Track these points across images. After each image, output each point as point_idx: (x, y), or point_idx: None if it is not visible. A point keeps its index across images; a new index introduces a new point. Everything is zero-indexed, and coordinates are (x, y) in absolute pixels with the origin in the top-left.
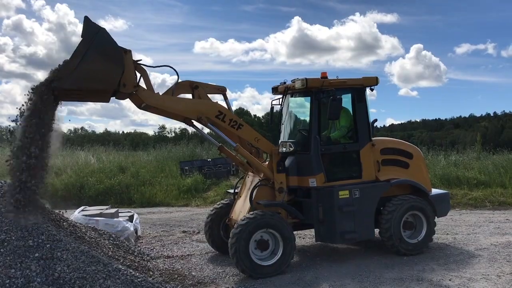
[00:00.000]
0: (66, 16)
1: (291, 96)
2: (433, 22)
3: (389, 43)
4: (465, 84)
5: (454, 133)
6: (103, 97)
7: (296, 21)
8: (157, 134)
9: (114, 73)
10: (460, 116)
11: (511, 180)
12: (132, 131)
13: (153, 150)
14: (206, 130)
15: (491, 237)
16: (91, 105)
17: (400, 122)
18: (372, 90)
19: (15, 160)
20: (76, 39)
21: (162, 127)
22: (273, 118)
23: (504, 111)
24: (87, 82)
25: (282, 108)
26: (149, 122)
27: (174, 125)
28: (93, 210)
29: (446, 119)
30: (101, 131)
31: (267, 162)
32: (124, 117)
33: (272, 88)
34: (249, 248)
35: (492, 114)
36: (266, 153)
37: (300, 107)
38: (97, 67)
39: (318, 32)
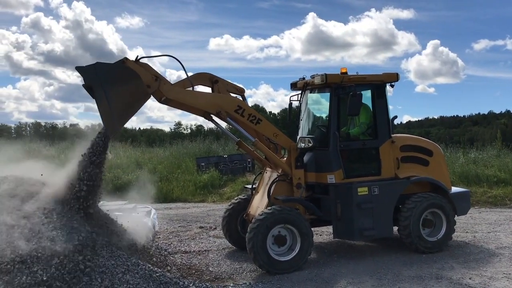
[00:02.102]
0: (83, 13)
1: (310, 92)
2: (450, 18)
3: (405, 39)
4: (484, 80)
5: (472, 130)
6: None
7: (311, 17)
8: (173, 130)
9: (138, 87)
10: (479, 113)
11: None
12: (149, 128)
13: (170, 146)
14: (224, 125)
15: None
16: None
17: (417, 119)
18: (392, 86)
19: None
20: (93, 36)
21: (178, 124)
22: (291, 114)
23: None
24: (129, 111)
25: (300, 104)
26: (165, 119)
27: (190, 122)
28: (112, 205)
29: (464, 116)
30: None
31: (285, 158)
32: (141, 113)
33: (291, 84)
34: (266, 243)
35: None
36: (284, 149)
37: (319, 103)
38: (124, 95)
39: (334, 28)
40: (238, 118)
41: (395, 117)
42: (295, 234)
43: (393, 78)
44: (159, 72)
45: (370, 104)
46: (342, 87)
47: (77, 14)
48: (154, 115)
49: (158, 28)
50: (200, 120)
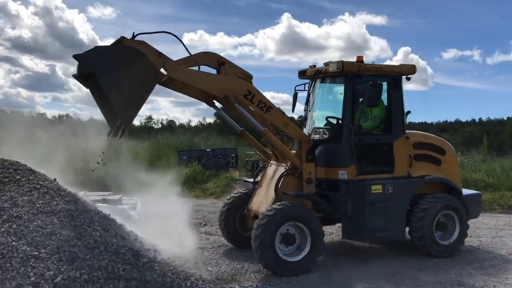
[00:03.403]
0: (53, 0)
1: (321, 82)
2: (422, 26)
3: (377, 44)
4: (451, 89)
5: (440, 137)
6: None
7: (286, 17)
8: (143, 124)
9: (146, 67)
10: (446, 121)
11: None
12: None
13: (148, 138)
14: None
15: None
16: (76, 93)
17: None
18: (408, 79)
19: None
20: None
21: (149, 118)
22: (295, 104)
23: (489, 117)
24: (141, 96)
25: (309, 93)
26: None
27: (161, 116)
28: (95, 195)
29: (432, 123)
30: (87, 119)
31: (293, 151)
32: None
33: (299, 72)
34: (275, 241)
35: (477, 120)
36: (293, 141)
37: (331, 93)
38: (132, 78)
39: (308, 30)
40: (246, 104)
41: (409, 112)
42: (305, 233)
43: (411, 70)
44: None
45: (384, 97)
46: (359, 76)
47: (47, 1)
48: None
49: (131, 19)
50: (171, 116)
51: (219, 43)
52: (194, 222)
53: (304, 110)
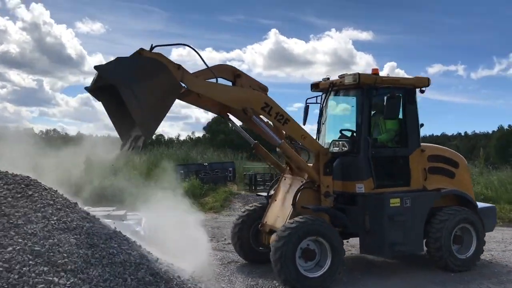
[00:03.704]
0: (42, 16)
1: (335, 94)
2: (407, 42)
3: (363, 59)
4: (437, 103)
5: None
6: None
7: (274, 33)
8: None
9: (168, 80)
10: (433, 135)
11: None
12: (106, 135)
13: (144, 152)
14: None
15: None
16: (63, 108)
17: None
18: (422, 92)
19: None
20: (51, 40)
21: None
22: (307, 117)
23: (474, 131)
24: (162, 109)
25: (323, 106)
26: None
27: None
28: (99, 211)
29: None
30: (74, 134)
31: (309, 163)
32: (97, 120)
33: (312, 85)
34: (296, 254)
35: (463, 134)
36: (309, 154)
37: (345, 106)
38: (153, 90)
39: (295, 45)
40: (264, 116)
41: (422, 124)
42: (326, 248)
43: (425, 83)
44: None
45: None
46: (376, 89)
47: (35, 16)
48: (111, 122)
49: (120, 35)
50: (159, 130)
51: (207, 58)
52: (201, 237)
53: (318, 123)
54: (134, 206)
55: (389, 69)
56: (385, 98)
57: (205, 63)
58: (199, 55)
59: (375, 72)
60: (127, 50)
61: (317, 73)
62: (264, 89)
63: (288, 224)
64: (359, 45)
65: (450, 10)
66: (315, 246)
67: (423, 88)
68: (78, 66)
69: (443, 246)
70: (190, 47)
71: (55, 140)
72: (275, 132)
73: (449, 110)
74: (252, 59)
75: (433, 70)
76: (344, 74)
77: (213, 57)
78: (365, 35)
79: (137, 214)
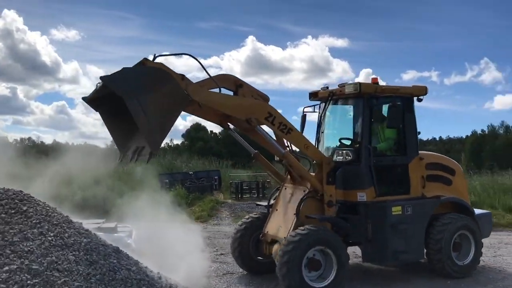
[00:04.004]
0: (14, 22)
1: (334, 103)
2: (382, 48)
3: (340, 66)
4: None
5: None
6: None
7: (251, 40)
8: (109, 147)
9: (175, 90)
10: None
11: (500, 202)
12: (82, 143)
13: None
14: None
15: None
16: (38, 116)
17: None
18: (420, 100)
19: None
20: (25, 47)
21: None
22: (304, 127)
23: (448, 136)
24: (169, 120)
25: (322, 115)
26: (100, 135)
27: None
28: (90, 224)
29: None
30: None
31: (312, 173)
32: (73, 128)
33: (310, 94)
34: (302, 261)
35: (437, 139)
36: (310, 163)
37: (345, 115)
38: (160, 102)
39: (272, 52)
40: (268, 126)
41: (419, 132)
42: (332, 260)
43: (422, 91)
44: None
45: None
46: (376, 98)
47: (8, 23)
48: (88, 130)
49: (96, 42)
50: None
51: (185, 65)
52: (192, 248)
53: (316, 132)
54: (119, 218)
55: (365, 76)
56: (388, 107)
57: (207, 73)
58: (201, 64)
59: (375, 81)
60: (104, 57)
61: (295, 80)
62: (265, 98)
63: (299, 230)
64: (335, 52)
65: (424, 18)
66: (320, 256)
67: (421, 97)
68: (53, 74)
69: (443, 253)
70: (193, 56)
71: (30, 149)
72: (278, 142)
73: (424, 115)
74: (229, 66)
75: (407, 76)
76: (344, 84)
77: (190, 64)
78: (341, 42)
79: (128, 226)
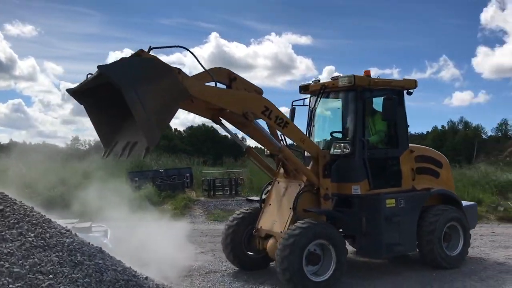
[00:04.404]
0: None
1: (326, 96)
2: (345, 46)
3: (303, 64)
4: None
5: None
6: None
7: (214, 37)
8: (69, 146)
9: (174, 84)
10: None
11: (469, 195)
12: (41, 142)
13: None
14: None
15: (496, 250)
16: None
17: None
18: (410, 94)
19: None
20: None
21: (76, 139)
22: (293, 120)
23: (410, 132)
24: (167, 115)
25: (313, 108)
26: (58, 134)
27: (87, 137)
28: (63, 223)
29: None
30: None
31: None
32: (31, 127)
33: (300, 87)
34: (303, 256)
35: None
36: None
37: (337, 108)
38: (158, 95)
39: (236, 49)
40: (264, 120)
41: (408, 126)
42: (331, 253)
43: (412, 85)
44: None
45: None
46: (370, 90)
47: None
48: (46, 129)
49: (53, 38)
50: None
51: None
52: (170, 247)
53: (308, 126)
54: (90, 218)
55: (328, 73)
56: (383, 99)
57: (202, 66)
58: (196, 58)
59: (367, 74)
60: (63, 53)
61: (259, 77)
62: (259, 91)
63: (299, 224)
64: (299, 49)
65: (386, 16)
66: (318, 249)
67: (411, 90)
68: (8, 70)
69: (435, 245)
70: (187, 49)
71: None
72: (275, 136)
73: None
74: (193, 62)
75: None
76: (337, 77)
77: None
78: (304, 40)
79: (102, 225)
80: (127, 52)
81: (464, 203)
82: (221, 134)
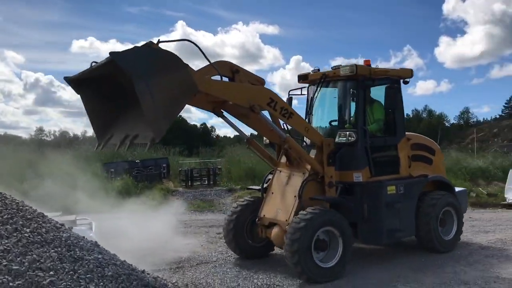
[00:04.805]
0: None
1: (326, 86)
2: (311, 36)
3: (271, 53)
4: None
5: None
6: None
7: (181, 25)
8: (34, 137)
9: (185, 78)
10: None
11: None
12: (2, 133)
13: (64, 150)
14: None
15: (478, 235)
16: None
17: None
18: (406, 83)
19: None
20: None
21: (40, 130)
22: None
23: None
24: (175, 108)
25: (312, 97)
26: (21, 125)
27: (51, 128)
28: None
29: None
30: None
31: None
32: None
33: (299, 76)
34: (312, 245)
35: None
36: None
37: (338, 97)
38: (168, 87)
39: (203, 38)
40: (270, 112)
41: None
42: (338, 239)
43: (408, 74)
44: None
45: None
46: (371, 80)
47: None
48: (8, 120)
49: (15, 26)
50: (62, 126)
51: (111, 50)
52: (156, 239)
53: (306, 114)
54: (69, 211)
55: (295, 63)
56: (385, 88)
57: (208, 60)
58: (202, 51)
59: (368, 63)
60: (24, 41)
61: None
62: (262, 82)
63: (302, 215)
64: (266, 39)
65: (351, 6)
66: (326, 236)
67: (407, 80)
68: None
69: (432, 229)
70: (193, 42)
71: None
72: (279, 127)
73: None
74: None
75: (335, 63)
76: (338, 66)
77: (117, 48)
78: (271, 29)
79: (87, 218)
80: (91, 41)
81: (456, 189)
82: (190, 123)
